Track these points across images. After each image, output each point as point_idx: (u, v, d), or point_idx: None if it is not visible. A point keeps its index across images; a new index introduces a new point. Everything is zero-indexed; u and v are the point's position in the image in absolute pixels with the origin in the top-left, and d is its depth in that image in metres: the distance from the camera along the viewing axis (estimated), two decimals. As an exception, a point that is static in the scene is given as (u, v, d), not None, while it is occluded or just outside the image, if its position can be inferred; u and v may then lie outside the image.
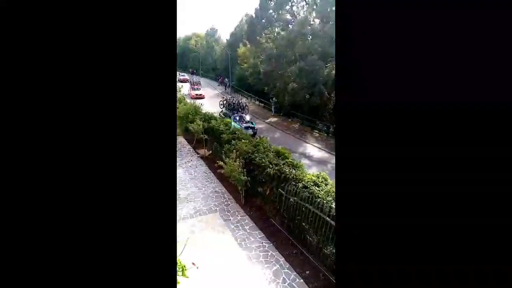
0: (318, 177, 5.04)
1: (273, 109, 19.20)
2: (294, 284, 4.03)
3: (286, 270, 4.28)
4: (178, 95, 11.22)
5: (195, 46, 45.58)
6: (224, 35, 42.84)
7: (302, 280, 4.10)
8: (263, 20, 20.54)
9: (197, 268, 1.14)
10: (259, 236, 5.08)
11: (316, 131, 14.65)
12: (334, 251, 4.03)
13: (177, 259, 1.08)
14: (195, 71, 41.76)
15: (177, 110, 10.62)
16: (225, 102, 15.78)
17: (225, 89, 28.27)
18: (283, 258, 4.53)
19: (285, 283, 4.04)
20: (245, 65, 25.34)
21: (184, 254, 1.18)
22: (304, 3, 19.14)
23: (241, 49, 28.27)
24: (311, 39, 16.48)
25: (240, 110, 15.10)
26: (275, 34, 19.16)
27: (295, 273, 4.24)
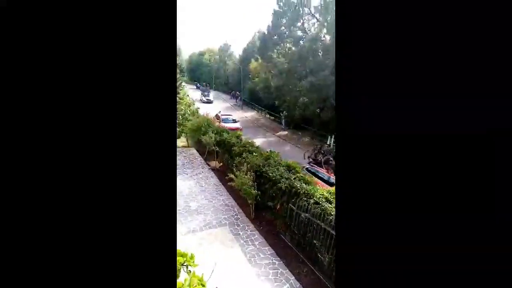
0: (330, 193, 4.94)
1: (283, 123, 19.28)
2: (305, 306, 3.87)
3: (297, 290, 4.13)
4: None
5: (209, 60, 47.18)
6: (237, 51, 44.17)
7: (313, 302, 3.93)
8: (275, 37, 21.14)
9: None
10: (269, 253, 4.97)
11: (326, 145, 14.51)
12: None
13: (205, 285, 1.06)
14: (208, 85, 43.00)
15: (191, 122, 10.89)
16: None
17: (236, 102, 28.83)
18: (294, 277, 4.38)
19: (295, 304, 3.89)
20: (256, 79, 25.88)
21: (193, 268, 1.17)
22: (315, 20, 19.63)
23: (253, 64, 28.99)
24: (322, 54, 16.72)
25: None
26: (287, 49, 19.60)
27: (306, 293, 4.08)
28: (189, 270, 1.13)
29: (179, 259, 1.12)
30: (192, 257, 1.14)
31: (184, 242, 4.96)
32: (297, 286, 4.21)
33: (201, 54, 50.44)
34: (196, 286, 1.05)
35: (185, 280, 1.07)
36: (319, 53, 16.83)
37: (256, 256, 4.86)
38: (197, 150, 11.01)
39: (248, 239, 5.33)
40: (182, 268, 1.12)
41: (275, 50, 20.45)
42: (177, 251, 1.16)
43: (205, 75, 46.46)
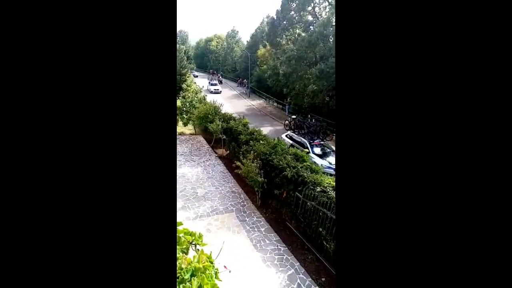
0: (337, 182, 4.91)
1: (287, 110, 19.09)
2: (309, 291, 3.95)
3: (301, 276, 4.21)
4: None
5: (216, 47, 46.49)
6: (245, 37, 43.26)
7: (317, 287, 4.01)
8: (284, 22, 20.48)
9: (230, 272, 1.14)
10: (274, 239, 5.04)
11: (335, 134, 14.33)
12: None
13: (213, 262, 1.08)
14: (215, 72, 42.60)
15: (197, 110, 10.89)
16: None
17: (244, 90, 28.52)
18: (299, 263, 4.46)
19: (300, 289, 3.98)
20: (264, 66, 25.40)
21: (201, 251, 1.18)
22: (327, 3, 18.82)
23: (261, 51, 28.40)
24: (332, 40, 16.15)
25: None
26: (296, 35, 19.01)
27: (310, 279, 4.15)
28: (197, 249, 1.15)
29: (188, 237, 1.13)
30: (200, 236, 1.15)
31: (192, 227, 5.09)
32: (302, 271, 4.29)
33: (209, 40, 49.67)
34: (204, 262, 1.06)
35: (194, 257, 1.08)
36: (330, 39, 16.25)
37: (262, 242, 4.95)
38: (204, 138, 11.08)
39: (254, 226, 5.42)
40: (190, 247, 1.14)
41: (284, 36, 19.90)
42: (186, 230, 1.17)
43: (213, 62, 45.97)
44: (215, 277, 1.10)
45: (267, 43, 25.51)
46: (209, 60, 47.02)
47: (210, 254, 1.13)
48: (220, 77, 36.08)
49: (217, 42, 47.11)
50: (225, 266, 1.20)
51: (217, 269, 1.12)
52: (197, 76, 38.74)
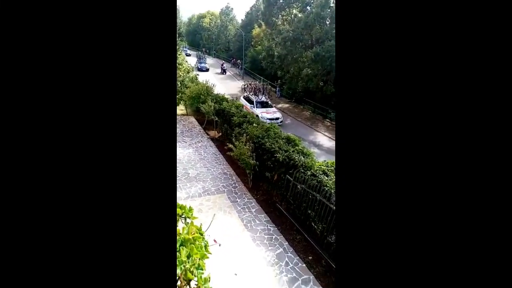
0: (327, 166, 4.98)
1: (277, 93, 18.88)
2: (296, 268, 4.13)
3: (289, 254, 4.37)
4: None
5: (209, 24, 44.41)
6: (240, 15, 41.38)
7: (304, 265, 4.19)
8: (281, 0, 19.61)
9: (220, 245, 1.13)
10: (264, 220, 5.16)
11: (327, 120, 14.38)
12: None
13: (203, 234, 1.07)
14: (207, 51, 41.03)
15: (189, 89, 10.57)
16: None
17: (238, 71, 27.80)
18: (287, 243, 4.61)
19: (287, 266, 4.14)
20: (259, 47, 24.65)
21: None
22: (326, -17, 18.03)
23: (256, 30, 27.40)
24: (329, 23, 15.69)
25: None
26: (292, 16, 18.32)
27: (298, 257, 4.33)
28: (187, 222, 1.13)
29: (178, 210, 1.11)
30: (190, 209, 1.13)
31: (183, 206, 5.12)
32: (290, 251, 4.45)
33: (201, 17, 47.28)
34: (194, 234, 1.05)
35: (183, 228, 1.07)
36: (327, 21, 15.78)
37: (252, 222, 5.06)
38: (196, 119, 10.87)
39: (245, 207, 5.51)
40: (180, 220, 1.12)
41: (280, 16, 19.15)
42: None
43: (205, 40, 44.12)
44: (205, 250, 1.09)
45: (262, 23, 24.54)
46: (202, 38, 45.07)
47: (200, 226, 1.11)
48: (224, 65, 27.51)
49: (210, 19, 44.91)
50: (214, 240, 1.20)
51: (207, 241, 1.11)
52: (207, 70, 25.65)
